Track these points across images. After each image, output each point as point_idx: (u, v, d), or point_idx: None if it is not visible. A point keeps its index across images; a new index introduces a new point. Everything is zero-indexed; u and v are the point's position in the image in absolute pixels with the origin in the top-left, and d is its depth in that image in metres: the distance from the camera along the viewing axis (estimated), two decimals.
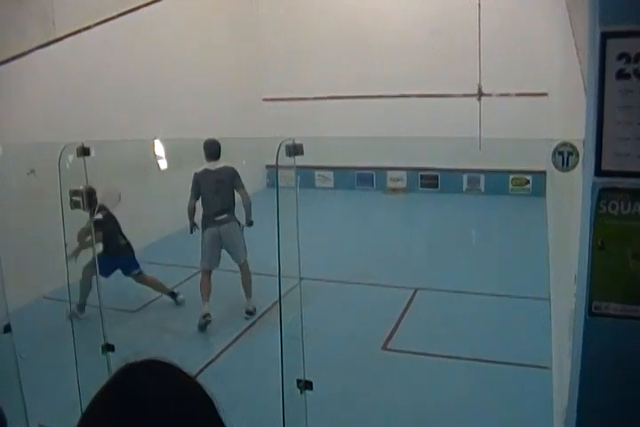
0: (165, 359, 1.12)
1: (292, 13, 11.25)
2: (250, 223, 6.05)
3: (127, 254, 6.18)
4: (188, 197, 6.05)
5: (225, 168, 6.01)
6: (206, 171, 6.01)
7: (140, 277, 6.23)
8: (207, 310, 5.84)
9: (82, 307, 5.72)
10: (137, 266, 6.21)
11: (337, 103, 11.02)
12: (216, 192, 5.96)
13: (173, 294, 6.40)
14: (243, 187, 6.05)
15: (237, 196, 6.13)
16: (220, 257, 6.10)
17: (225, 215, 5.98)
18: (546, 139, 6.68)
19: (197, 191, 6.02)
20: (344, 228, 8.83)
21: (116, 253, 6.02)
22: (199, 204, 6.05)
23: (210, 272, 6.06)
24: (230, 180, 6.01)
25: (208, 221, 6.00)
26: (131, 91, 7.80)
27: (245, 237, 6.13)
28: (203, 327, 5.78)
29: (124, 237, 6.18)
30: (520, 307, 5.99)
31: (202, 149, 6.02)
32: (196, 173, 6.03)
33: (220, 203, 5.98)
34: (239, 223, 6.07)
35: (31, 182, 6.00)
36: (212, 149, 5.99)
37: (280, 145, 3.26)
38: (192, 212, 6.04)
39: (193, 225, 6.08)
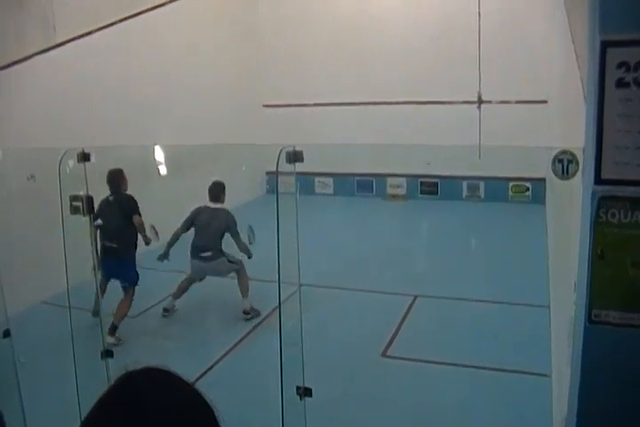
0: (165, 367, 1.12)
1: (291, 17, 11.27)
2: (249, 257, 6.26)
3: (112, 259, 5.84)
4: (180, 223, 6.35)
5: (223, 209, 6.33)
6: (206, 207, 6.36)
7: (126, 294, 5.92)
8: (169, 307, 6.29)
9: (96, 313, 5.56)
10: (129, 278, 5.91)
11: (337, 110, 11.04)
12: (207, 225, 6.25)
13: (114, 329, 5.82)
14: (238, 234, 6.22)
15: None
16: (204, 277, 6.42)
17: (209, 253, 6.22)
18: (545, 146, 6.68)
19: (189, 224, 6.34)
20: (344, 234, 8.81)
21: (102, 254, 5.78)
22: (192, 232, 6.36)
23: (192, 281, 6.39)
24: (224, 219, 6.26)
25: (195, 252, 6.27)
26: (131, 94, 7.80)
27: (246, 241, 6.21)
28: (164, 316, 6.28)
29: (111, 241, 5.86)
30: (519, 314, 5.99)
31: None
32: (196, 208, 6.36)
33: (208, 237, 6.22)
34: (227, 259, 6.29)
35: (31, 187, 6.00)
36: (215, 192, 6.35)
37: (280, 152, 3.27)
38: (173, 240, 6.31)
39: (166, 255, 6.24)
